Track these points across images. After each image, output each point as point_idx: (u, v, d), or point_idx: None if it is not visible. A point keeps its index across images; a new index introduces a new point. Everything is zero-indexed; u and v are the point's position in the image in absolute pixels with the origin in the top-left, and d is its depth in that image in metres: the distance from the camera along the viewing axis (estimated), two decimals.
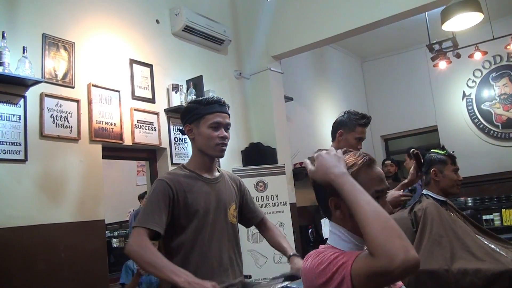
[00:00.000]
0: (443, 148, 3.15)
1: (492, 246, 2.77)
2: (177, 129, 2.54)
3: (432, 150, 3.16)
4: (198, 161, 2.30)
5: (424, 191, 3.10)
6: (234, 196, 2.42)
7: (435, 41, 6.96)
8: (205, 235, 2.19)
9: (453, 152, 3.16)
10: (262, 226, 2.59)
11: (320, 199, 1.63)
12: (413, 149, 3.06)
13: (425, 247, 2.76)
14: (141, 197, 7.26)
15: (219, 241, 2.25)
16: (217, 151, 2.25)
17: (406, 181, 3.12)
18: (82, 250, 3.76)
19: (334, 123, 3.28)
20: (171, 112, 4.92)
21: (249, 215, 2.55)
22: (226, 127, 2.28)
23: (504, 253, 2.69)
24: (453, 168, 3.04)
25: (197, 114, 2.24)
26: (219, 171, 2.41)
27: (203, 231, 2.19)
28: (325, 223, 1.92)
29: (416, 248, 2.76)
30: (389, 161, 6.69)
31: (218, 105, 2.27)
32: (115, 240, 7.55)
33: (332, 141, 3.32)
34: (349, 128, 3.14)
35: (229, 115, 2.32)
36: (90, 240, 3.85)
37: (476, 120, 8.41)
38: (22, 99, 3.58)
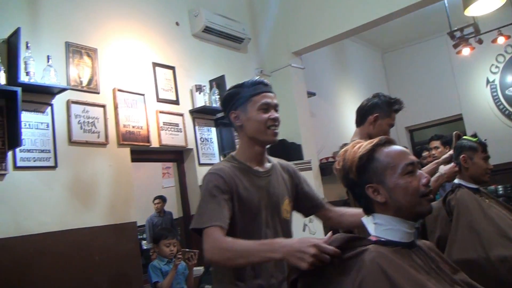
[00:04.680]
0: (474, 136, 3.10)
1: None
2: (219, 118, 2.37)
3: (463, 137, 3.11)
4: (249, 151, 2.07)
5: (456, 180, 3.04)
6: (287, 189, 2.16)
7: (456, 28, 6.85)
8: (258, 235, 1.98)
9: (485, 140, 3.10)
10: (329, 213, 2.28)
11: (358, 195, 1.62)
12: (456, 132, 3.04)
13: (462, 236, 2.72)
14: (155, 198, 7.28)
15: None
16: (270, 135, 2.02)
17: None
18: (116, 253, 3.81)
19: (365, 106, 3.03)
20: (196, 113, 4.96)
21: (308, 204, 2.26)
22: (275, 108, 2.06)
23: None
24: (483, 155, 2.97)
25: (242, 97, 2.05)
26: (269, 162, 2.16)
27: (256, 230, 1.99)
28: (367, 221, 1.84)
29: (452, 237, 2.72)
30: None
31: (263, 85, 2.08)
32: (144, 242, 7.61)
33: (358, 126, 3.08)
34: (385, 113, 2.96)
35: (275, 95, 2.11)
36: (123, 242, 3.90)
37: (501, 107, 8.27)
38: (49, 107, 3.64)
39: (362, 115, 3.02)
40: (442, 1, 6.17)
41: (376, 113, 2.93)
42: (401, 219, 1.51)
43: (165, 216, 7.13)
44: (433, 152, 5.31)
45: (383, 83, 9.52)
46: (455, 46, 7.02)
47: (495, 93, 8.35)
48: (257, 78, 2.10)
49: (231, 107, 2.09)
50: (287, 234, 2.10)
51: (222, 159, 5.13)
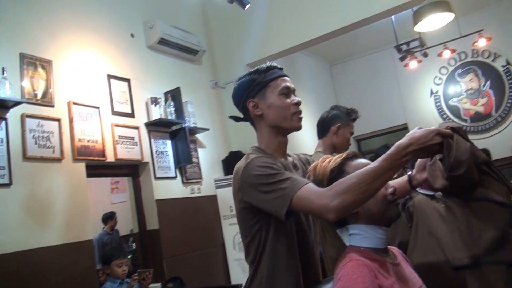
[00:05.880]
0: None
1: None
2: (229, 117, 2.14)
3: None
4: (272, 142, 1.90)
5: None
6: None
7: (402, 42, 7.06)
8: (293, 235, 1.81)
9: None
10: None
11: None
12: None
13: (421, 242, 2.84)
14: (105, 219, 7.01)
15: (306, 243, 1.89)
16: (296, 121, 1.88)
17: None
18: (72, 273, 3.66)
19: (326, 118, 3.18)
20: (151, 126, 4.88)
21: None
22: (294, 92, 1.92)
23: None
24: None
25: (260, 83, 1.88)
26: (289, 155, 2.01)
27: (292, 227, 1.81)
28: (342, 233, 1.90)
29: (412, 242, 2.85)
30: None
31: (278, 69, 1.93)
32: None
33: (320, 138, 3.20)
34: (345, 122, 3.10)
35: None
36: (79, 262, 3.76)
37: (444, 116, 8.58)
38: (4, 122, 3.48)
39: (324, 126, 3.15)
40: (389, 17, 6.34)
41: (338, 123, 3.08)
42: (374, 226, 1.59)
43: (113, 233, 6.92)
44: None
45: (331, 94, 9.68)
46: (402, 59, 7.24)
47: (438, 104, 8.67)
48: (268, 63, 1.95)
49: (248, 96, 1.91)
50: (315, 235, 1.97)
51: (178, 172, 5.06)
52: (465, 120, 8.40)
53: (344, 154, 1.70)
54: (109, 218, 6.92)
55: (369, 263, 1.48)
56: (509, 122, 8.02)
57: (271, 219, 1.75)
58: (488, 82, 8.25)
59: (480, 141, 8.09)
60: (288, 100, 1.88)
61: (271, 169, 1.70)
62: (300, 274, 1.79)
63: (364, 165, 1.61)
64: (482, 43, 6.95)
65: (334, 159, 1.69)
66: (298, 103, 1.89)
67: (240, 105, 1.98)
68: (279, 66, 1.96)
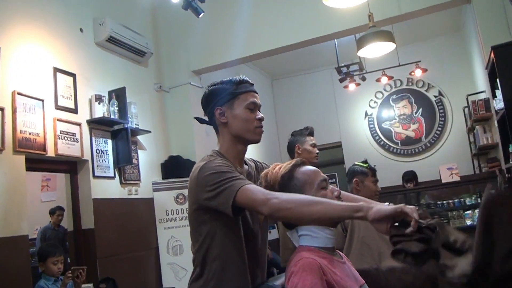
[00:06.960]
0: (365, 162, 3.46)
1: None
2: (195, 118, 2.19)
3: (355, 163, 3.46)
4: (232, 149, 1.99)
5: None
6: None
7: (343, 64, 7.32)
8: (240, 241, 1.89)
9: (374, 166, 3.47)
10: None
11: None
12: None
13: (355, 249, 3.04)
14: (52, 212, 6.79)
15: (255, 246, 1.98)
16: (257, 134, 1.99)
17: None
18: (5, 268, 3.55)
19: (290, 143, 3.71)
20: (94, 123, 4.81)
21: None
22: (259, 108, 2.04)
23: None
24: (373, 179, 3.39)
25: (230, 94, 1.98)
26: (246, 163, 2.12)
27: (239, 234, 1.89)
28: (292, 235, 2.03)
29: (347, 250, 3.05)
30: None
31: (249, 84, 2.04)
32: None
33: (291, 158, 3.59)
34: (302, 140, 3.61)
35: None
36: (13, 257, 3.65)
37: (377, 138, 9.00)
38: None
39: (290, 149, 3.68)
40: (332, 40, 6.58)
41: (297, 143, 3.61)
42: (322, 226, 1.70)
43: (59, 229, 6.65)
44: None
45: (271, 107, 9.83)
46: (341, 80, 7.52)
47: (372, 125, 9.07)
48: (241, 76, 2.05)
49: (216, 103, 1.99)
50: (265, 241, 2.08)
51: (116, 172, 5.02)
52: (396, 143, 8.85)
53: (293, 161, 1.83)
54: (52, 212, 6.67)
55: (318, 260, 1.59)
56: (438, 148, 8.56)
57: (221, 219, 1.83)
58: (420, 110, 8.76)
59: (409, 164, 8.54)
60: (253, 115, 1.98)
61: (225, 168, 1.82)
62: (247, 274, 1.89)
63: (312, 171, 1.78)
64: (418, 73, 7.37)
65: (284, 166, 1.82)
66: (261, 119, 2.01)
67: (208, 109, 2.06)
68: (250, 81, 2.06)
